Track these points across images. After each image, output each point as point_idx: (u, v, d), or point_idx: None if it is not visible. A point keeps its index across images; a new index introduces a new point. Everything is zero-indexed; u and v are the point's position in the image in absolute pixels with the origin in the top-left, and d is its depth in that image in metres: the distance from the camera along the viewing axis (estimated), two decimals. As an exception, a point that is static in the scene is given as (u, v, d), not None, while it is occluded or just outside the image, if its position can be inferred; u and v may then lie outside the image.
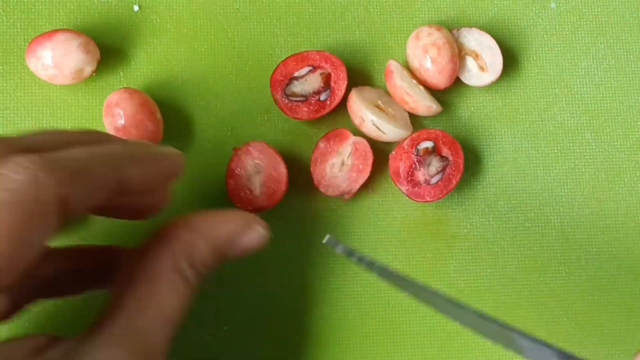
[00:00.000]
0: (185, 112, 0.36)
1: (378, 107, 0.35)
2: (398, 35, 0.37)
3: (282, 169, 0.34)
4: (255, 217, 0.29)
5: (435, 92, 0.36)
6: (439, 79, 0.35)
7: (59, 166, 0.22)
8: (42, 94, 0.35)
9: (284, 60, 0.35)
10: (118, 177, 0.25)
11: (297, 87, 0.35)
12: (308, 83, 0.35)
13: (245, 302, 0.35)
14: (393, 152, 0.35)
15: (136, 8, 0.36)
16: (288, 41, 0.37)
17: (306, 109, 0.35)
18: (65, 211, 0.23)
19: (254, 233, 0.28)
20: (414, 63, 0.36)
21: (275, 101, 0.35)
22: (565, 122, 0.38)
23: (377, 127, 0.34)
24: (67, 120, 0.35)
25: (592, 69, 0.38)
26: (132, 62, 0.36)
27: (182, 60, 0.36)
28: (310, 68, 0.35)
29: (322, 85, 0.35)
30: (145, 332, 0.25)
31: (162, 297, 0.25)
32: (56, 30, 0.33)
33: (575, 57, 0.38)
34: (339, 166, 0.35)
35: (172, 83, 0.36)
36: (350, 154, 0.35)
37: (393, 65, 0.35)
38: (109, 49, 0.35)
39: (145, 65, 0.36)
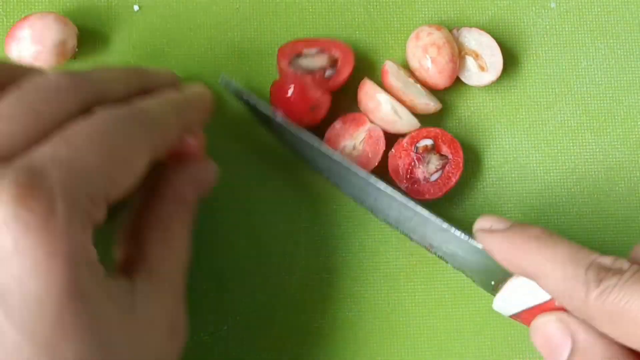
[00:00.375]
0: (185, 112, 0.36)
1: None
2: (398, 35, 0.37)
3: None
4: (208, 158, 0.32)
5: (435, 92, 0.36)
6: (439, 79, 0.35)
7: (146, 122, 0.26)
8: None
9: (294, 40, 0.35)
10: (184, 124, 0.29)
11: (304, 62, 0.35)
12: (315, 61, 0.35)
13: (246, 301, 0.35)
14: (392, 150, 0.35)
15: (136, 8, 0.36)
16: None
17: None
18: (150, 157, 0.26)
19: (212, 168, 0.31)
20: (414, 63, 0.36)
21: (280, 70, 0.35)
22: (565, 122, 0.38)
23: (395, 111, 0.34)
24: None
25: (592, 69, 0.38)
26: (133, 62, 0.36)
27: (182, 60, 0.36)
28: (319, 49, 0.35)
29: (328, 64, 0.35)
30: (174, 275, 0.27)
31: (175, 244, 0.28)
32: (29, 15, 0.34)
33: (575, 57, 0.38)
34: (350, 150, 0.35)
35: (172, 82, 0.36)
36: (363, 139, 0.35)
37: (389, 65, 0.35)
38: (109, 49, 0.35)
39: (145, 65, 0.36)
